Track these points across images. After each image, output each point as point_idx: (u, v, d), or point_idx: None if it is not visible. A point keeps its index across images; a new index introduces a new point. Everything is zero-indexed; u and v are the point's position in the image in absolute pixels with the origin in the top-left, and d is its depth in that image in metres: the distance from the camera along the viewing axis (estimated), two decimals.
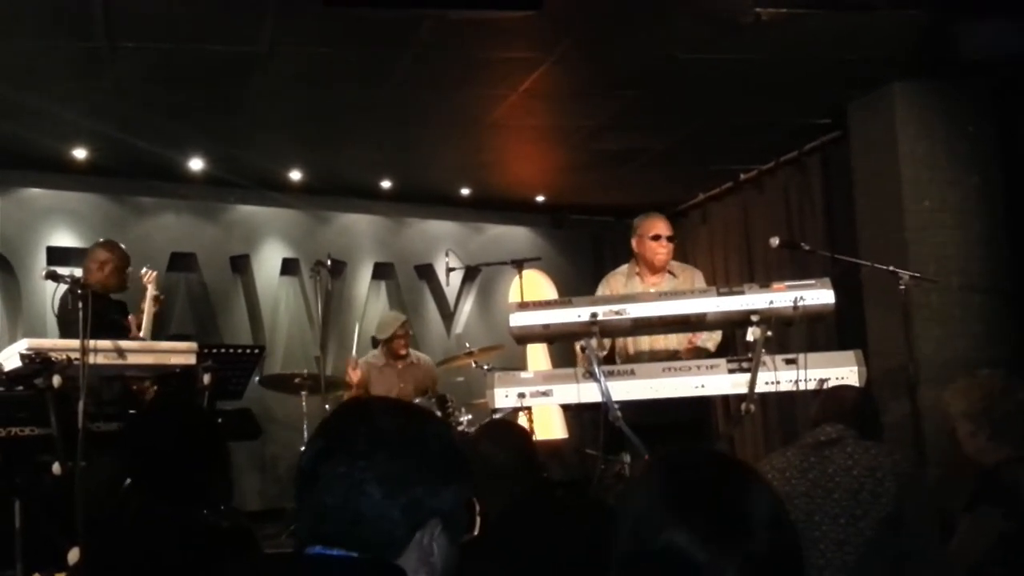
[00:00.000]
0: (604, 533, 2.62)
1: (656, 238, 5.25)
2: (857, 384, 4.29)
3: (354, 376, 6.54)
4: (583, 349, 4.46)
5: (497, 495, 2.87)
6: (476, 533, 1.95)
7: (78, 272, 5.33)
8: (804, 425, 3.30)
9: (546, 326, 4.43)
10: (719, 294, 4.41)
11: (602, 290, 5.40)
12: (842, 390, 3.46)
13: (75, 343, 4.23)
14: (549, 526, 2.78)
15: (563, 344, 5.42)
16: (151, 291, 5.69)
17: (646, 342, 5.21)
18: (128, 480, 2.73)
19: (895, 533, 2.83)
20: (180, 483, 2.58)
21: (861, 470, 2.89)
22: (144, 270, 5.78)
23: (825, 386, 4.29)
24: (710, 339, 5.24)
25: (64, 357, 4.24)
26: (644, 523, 1.45)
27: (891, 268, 5.07)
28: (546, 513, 2.91)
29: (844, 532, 2.83)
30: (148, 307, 5.65)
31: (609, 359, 5.09)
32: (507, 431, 3.21)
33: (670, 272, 5.31)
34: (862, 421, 3.12)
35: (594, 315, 4.32)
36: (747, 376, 4.29)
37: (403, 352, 6.88)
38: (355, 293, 8.64)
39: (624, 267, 5.44)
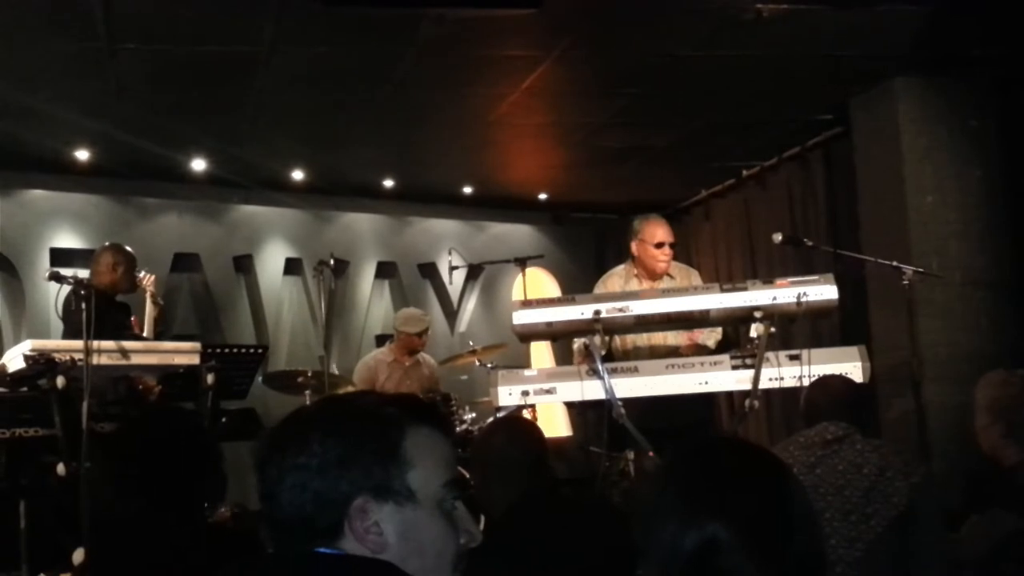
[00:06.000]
0: (609, 530, 2.64)
1: (659, 245, 5.14)
2: (861, 379, 4.29)
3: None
4: (587, 346, 4.45)
5: (506, 489, 2.87)
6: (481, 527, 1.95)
7: (81, 273, 5.33)
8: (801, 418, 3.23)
9: (549, 324, 4.43)
10: (722, 290, 4.42)
11: (599, 291, 5.36)
12: (830, 381, 3.30)
13: (79, 344, 4.23)
14: (554, 523, 2.78)
15: (566, 342, 5.41)
16: (150, 294, 5.68)
17: (644, 337, 5.18)
18: (127, 482, 2.73)
19: (905, 531, 2.81)
20: (171, 485, 2.56)
21: (871, 468, 2.86)
22: (142, 273, 5.77)
23: None
24: (710, 337, 5.22)
25: (68, 358, 4.25)
26: (673, 519, 1.43)
27: (894, 263, 5.06)
28: (552, 510, 2.90)
29: (856, 529, 2.81)
30: (148, 311, 5.65)
31: (606, 354, 5.07)
32: (524, 427, 3.19)
33: (668, 274, 5.26)
34: (860, 415, 3.09)
35: (597, 312, 4.32)
36: (751, 372, 4.30)
37: (421, 348, 6.90)
38: (358, 292, 8.64)
39: (621, 268, 5.38)
